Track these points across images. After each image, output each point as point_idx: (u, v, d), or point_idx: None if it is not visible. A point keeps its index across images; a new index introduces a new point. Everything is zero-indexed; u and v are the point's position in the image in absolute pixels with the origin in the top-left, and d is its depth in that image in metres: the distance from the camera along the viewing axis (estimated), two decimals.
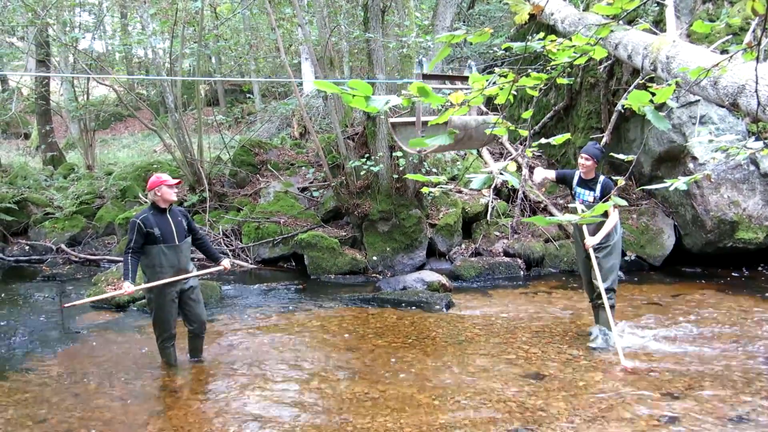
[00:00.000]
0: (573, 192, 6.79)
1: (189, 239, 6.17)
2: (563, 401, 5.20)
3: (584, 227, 6.68)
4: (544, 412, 4.99)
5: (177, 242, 5.99)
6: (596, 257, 6.49)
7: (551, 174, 7.09)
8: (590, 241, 6.46)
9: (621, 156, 3.03)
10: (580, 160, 6.63)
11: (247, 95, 23.36)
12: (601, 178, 6.55)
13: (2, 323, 8.07)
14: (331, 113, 11.25)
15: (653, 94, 2.03)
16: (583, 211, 6.29)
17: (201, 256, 7.13)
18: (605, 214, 6.17)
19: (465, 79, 5.72)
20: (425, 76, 5.08)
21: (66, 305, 6.50)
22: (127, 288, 5.76)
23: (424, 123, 5.33)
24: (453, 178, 12.26)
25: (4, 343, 7.29)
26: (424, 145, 2.07)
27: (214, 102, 24.39)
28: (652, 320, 7.39)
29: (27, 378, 6.16)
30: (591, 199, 6.58)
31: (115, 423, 5.09)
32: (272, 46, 18.98)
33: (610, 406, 5.08)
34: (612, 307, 6.49)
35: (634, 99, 2.05)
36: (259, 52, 19.33)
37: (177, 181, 6.11)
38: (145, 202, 12.84)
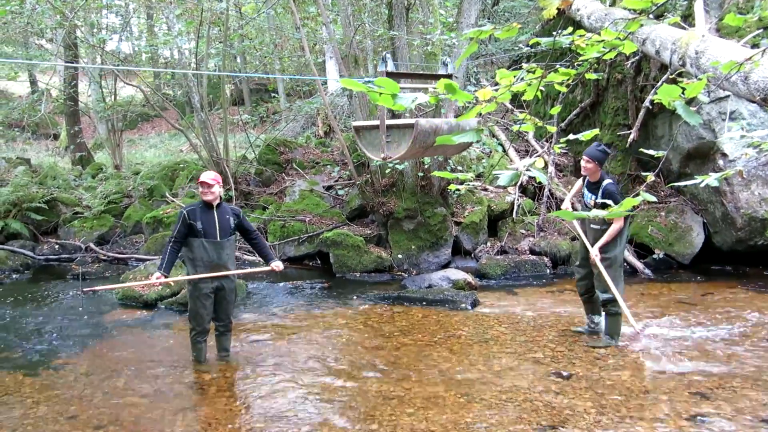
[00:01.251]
0: (582, 194, 6.74)
1: (232, 238, 6.24)
2: (590, 400, 5.16)
3: (582, 234, 6.65)
4: (571, 411, 4.95)
5: (218, 239, 6.06)
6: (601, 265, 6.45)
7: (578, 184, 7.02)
8: (594, 252, 6.37)
9: (651, 151, 2.99)
10: (582, 163, 6.51)
11: (272, 94, 23.47)
12: (605, 182, 6.38)
13: (33, 321, 8.18)
14: (356, 111, 11.25)
15: (683, 89, 2.00)
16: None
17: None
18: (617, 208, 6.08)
19: (435, 77, 5.56)
20: (389, 74, 4.91)
21: (86, 289, 6.56)
22: (155, 278, 5.94)
23: (389, 127, 5.18)
24: (478, 176, 12.21)
25: (36, 341, 7.40)
26: (451, 143, 2.06)
27: (240, 101, 24.53)
28: (681, 319, 7.31)
29: (57, 375, 6.24)
30: (592, 203, 6.47)
31: (144, 419, 5.14)
32: (297, 45, 19.03)
33: (639, 405, 5.03)
34: (616, 314, 6.47)
35: (664, 93, 2.02)
36: (284, 51, 19.40)
37: (205, 181, 6.05)
38: (172, 201, 12.98)
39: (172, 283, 8.28)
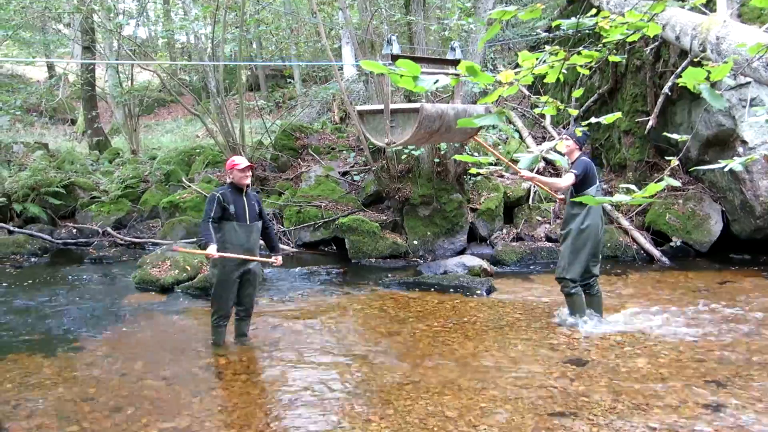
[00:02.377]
0: None
1: (259, 222, 6.30)
2: (606, 387, 5.14)
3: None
4: (587, 398, 4.94)
5: (249, 222, 6.14)
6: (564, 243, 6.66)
7: None
8: (524, 172, 6.39)
9: (675, 136, 2.95)
10: (563, 141, 6.60)
11: (288, 80, 23.47)
12: (580, 159, 6.46)
13: (52, 304, 8.26)
14: (372, 97, 11.22)
15: (709, 72, 1.97)
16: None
17: None
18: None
19: (442, 62, 5.48)
20: (394, 57, 4.81)
21: (175, 248, 6.77)
22: (213, 251, 5.88)
23: (393, 111, 5.11)
24: (495, 164, 12.16)
25: (54, 324, 7.47)
26: (473, 125, 2.04)
27: (256, 87, 24.53)
28: (698, 307, 7.26)
29: (76, 357, 6.31)
30: None
31: (161, 402, 5.18)
32: (313, 30, 19.00)
33: (655, 392, 5.01)
34: (568, 295, 6.65)
35: (689, 76, 1.98)
36: (300, 36, 19.36)
37: (247, 165, 6.19)
38: (188, 186, 13.02)
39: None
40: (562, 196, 7.19)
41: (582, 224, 6.45)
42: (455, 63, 5.12)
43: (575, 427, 4.45)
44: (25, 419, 4.90)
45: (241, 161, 6.20)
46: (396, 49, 4.78)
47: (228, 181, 6.32)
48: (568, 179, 6.37)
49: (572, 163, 6.50)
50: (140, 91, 18.09)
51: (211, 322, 6.35)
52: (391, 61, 4.51)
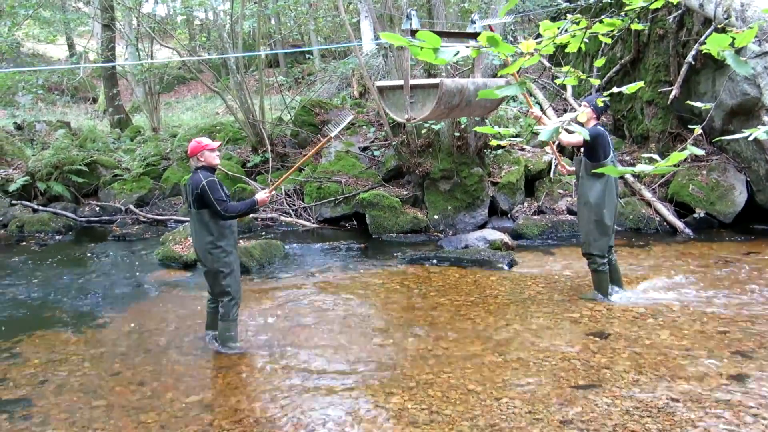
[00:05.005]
0: None
1: None
2: (629, 359, 5.13)
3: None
4: (609, 370, 4.93)
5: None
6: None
7: None
8: (564, 137, 6.29)
9: (698, 104, 2.89)
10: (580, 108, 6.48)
11: (307, 56, 23.38)
12: (594, 127, 6.25)
13: (77, 281, 8.38)
14: (392, 71, 11.15)
15: (733, 38, 1.93)
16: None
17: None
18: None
19: (462, 35, 5.41)
20: (413, 32, 4.70)
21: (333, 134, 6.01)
22: (263, 195, 5.65)
23: (413, 87, 5.05)
24: (516, 136, 12.08)
25: (79, 301, 7.57)
26: (494, 96, 2.02)
27: (275, 63, 24.47)
28: (723, 279, 7.20)
29: (101, 333, 6.40)
30: (582, 152, 6.50)
31: (186, 377, 5.25)
32: (331, 4, 18.90)
33: (678, 364, 4.99)
34: (595, 271, 6.61)
35: (713, 43, 1.94)
36: (318, 11, 19.26)
37: (218, 143, 5.78)
38: None
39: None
40: (567, 168, 7.06)
41: (600, 197, 6.37)
42: (475, 36, 5.05)
43: (598, 399, 4.45)
44: (53, 395, 4.99)
45: (209, 141, 5.64)
46: (416, 24, 4.74)
47: (196, 166, 5.59)
48: (576, 137, 6.18)
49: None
50: (160, 68, 18.11)
51: (233, 317, 5.73)
52: (410, 36, 4.45)
